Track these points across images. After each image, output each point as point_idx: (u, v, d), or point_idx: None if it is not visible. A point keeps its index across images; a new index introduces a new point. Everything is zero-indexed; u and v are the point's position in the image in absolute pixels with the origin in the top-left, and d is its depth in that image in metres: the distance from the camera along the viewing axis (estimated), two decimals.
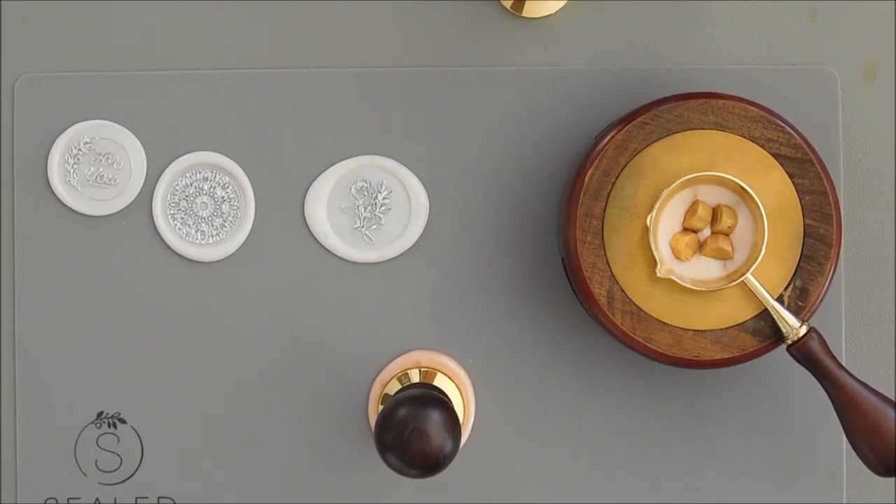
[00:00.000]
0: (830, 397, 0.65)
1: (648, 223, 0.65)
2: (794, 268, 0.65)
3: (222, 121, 0.70)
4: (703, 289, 0.64)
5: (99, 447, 0.70)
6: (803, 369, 0.67)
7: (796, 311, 0.65)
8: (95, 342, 0.70)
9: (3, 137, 0.70)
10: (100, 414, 0.70)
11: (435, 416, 0.61)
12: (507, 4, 0.70)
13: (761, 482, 0.70)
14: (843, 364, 0.67)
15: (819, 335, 0.64)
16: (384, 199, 0.70)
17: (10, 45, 0.70)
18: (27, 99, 0.70)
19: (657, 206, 0.64)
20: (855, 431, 0.64)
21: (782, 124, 0.65)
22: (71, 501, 0.70)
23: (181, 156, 0.70)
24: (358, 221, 0.70)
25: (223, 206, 0.70)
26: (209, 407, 0.70)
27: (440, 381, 0.69)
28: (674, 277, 0.64)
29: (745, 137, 0.65)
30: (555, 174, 0.70)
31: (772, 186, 0.65)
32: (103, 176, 0.70)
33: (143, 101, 0.70)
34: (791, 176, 0.65)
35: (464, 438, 0.69)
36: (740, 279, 0.64)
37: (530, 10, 0.70)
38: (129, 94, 0.70)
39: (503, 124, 0.70)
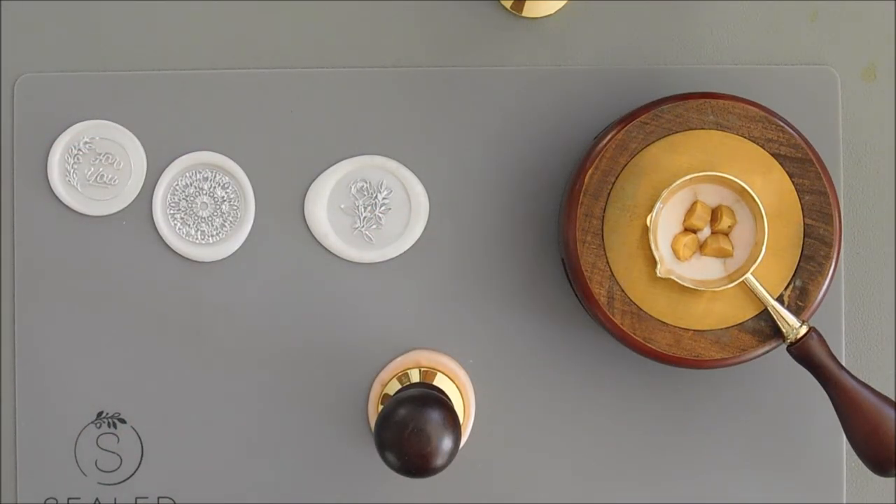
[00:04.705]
0: (830, 397, 0.65)
1: (648, 223, 0.64)
2: (794, 268, 0.65)
3: (222, 121, 0.70)
4: (703, 289, 0.64)
5: (99, 447, 0.70)
6: (803, 369, 0.67)
7: (796, 311, 0.65)
8: (95, 342, 0.70)
9: (3, 137, 0.70)
10: (100, 414, 0.70)
11: (435, 416, 0.61)
12: (507, 4, 0.70)
13: (761, 482, 0.70)
14: (843, 364, 0.67)
15: (819, 335, 0.64)
16: (384, 199, 0.70)
17: (10, 45, 0.70)
18: (27, 99, 0.70)
19: (657, 206, 0.64)
20: (855, 431, 0.64)
21: (782, 124, 0.65)
22: (71, 501, 0.70)
23: (181, 156, 0.70)
24: (358, 221, 0.70)
25: (223, 206, 0.70)
26: (209, 407, 0.70)
27: (440, 381, 0.69)
28: (674, 277, 0.64)
29: (745, 137, 0.65)
30: (555, 174, 0.70)
31: (772, 186, 0.65)
32: (103, 176, 0.70)
33: (143, 101, 0.70)
34: (791, 176, 0.65)
35: (464, 438, 0.69)
36: (740, 279, 0.64)
37: (530, 10, 0.70)
38: (129, 94, 0.70)
39: (503, 124, 0.70)
